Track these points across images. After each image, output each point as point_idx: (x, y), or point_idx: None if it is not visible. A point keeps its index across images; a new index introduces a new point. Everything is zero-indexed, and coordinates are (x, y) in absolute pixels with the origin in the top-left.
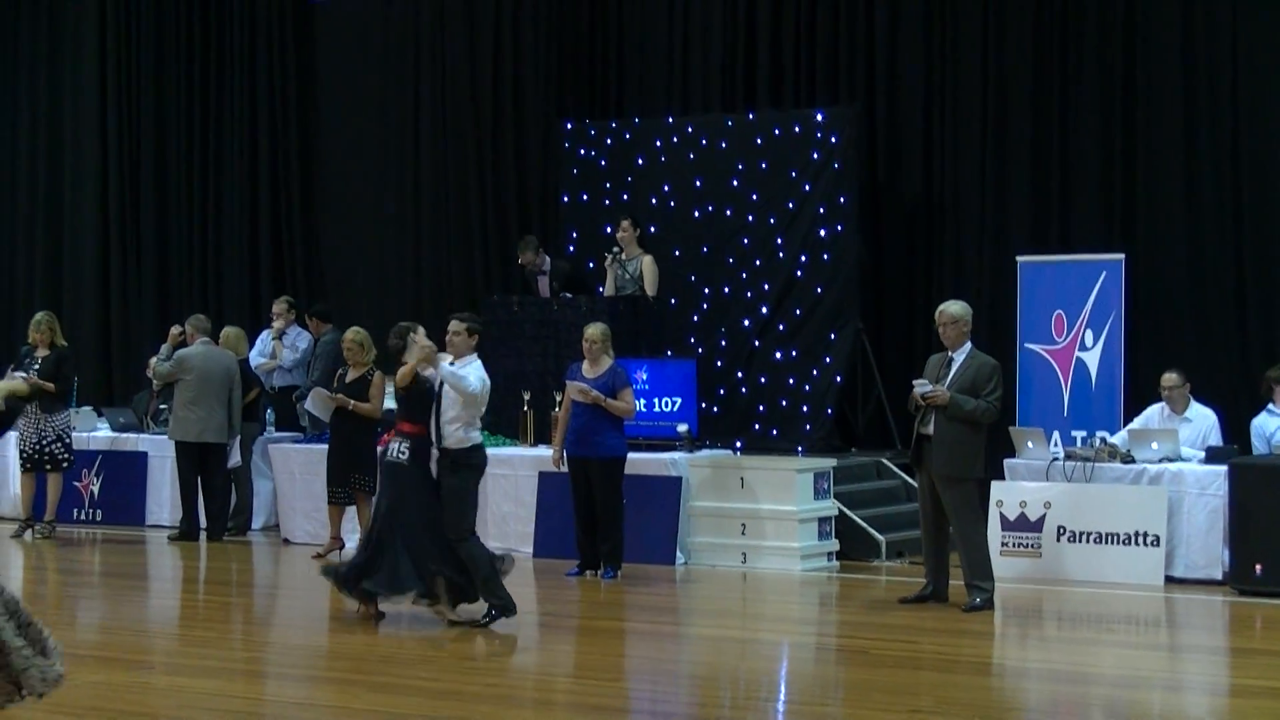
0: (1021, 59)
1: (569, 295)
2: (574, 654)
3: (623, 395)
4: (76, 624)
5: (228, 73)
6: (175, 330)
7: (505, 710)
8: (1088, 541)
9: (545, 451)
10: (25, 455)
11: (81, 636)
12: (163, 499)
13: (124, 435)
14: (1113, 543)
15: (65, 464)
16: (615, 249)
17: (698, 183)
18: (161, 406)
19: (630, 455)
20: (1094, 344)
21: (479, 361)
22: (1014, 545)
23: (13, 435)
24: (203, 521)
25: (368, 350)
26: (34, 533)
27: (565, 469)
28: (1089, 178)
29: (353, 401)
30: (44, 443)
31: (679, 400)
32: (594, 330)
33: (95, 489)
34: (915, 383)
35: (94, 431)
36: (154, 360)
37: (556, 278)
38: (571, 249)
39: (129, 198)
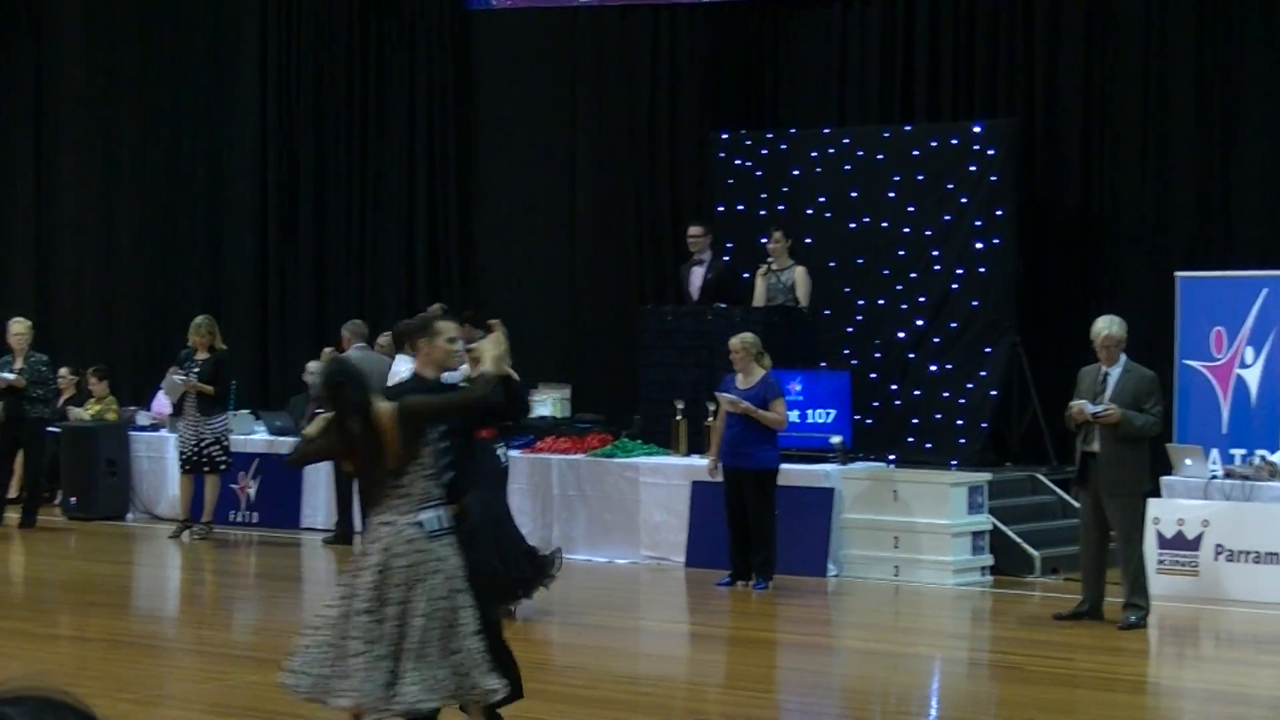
0: (1183, 70)
1: (723, 305)
2: (725, 664)
3: (774, 406)
4: (232, 625)
5: (387, 78)
6: (327, 351)
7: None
8: (1246, 561)
9: (698, 461)
10: (184, 457)
11: (236, 637)
12: (317, 502)
13: (281, 438)
14: (1272, 562)
15: (223, 467)
16: (768, 260)
17: (853, 194)
18: (318, 411)
19: (783, 466)
20: (1254, 361)
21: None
22: (1170, 563)
23: (172, 438)
24: (357, 525)
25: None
26: (191, 534)
27: (720, 478)
28: (1251, 190)
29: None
30: (202, 445)
31: (833, 412)
32: (735, 341)
33: (252, 491)
34: (1079, 404)
35: (251, 434)
36: (312, 364)
37: (712, 271)
38: (726, 259)
39: (287, 203)
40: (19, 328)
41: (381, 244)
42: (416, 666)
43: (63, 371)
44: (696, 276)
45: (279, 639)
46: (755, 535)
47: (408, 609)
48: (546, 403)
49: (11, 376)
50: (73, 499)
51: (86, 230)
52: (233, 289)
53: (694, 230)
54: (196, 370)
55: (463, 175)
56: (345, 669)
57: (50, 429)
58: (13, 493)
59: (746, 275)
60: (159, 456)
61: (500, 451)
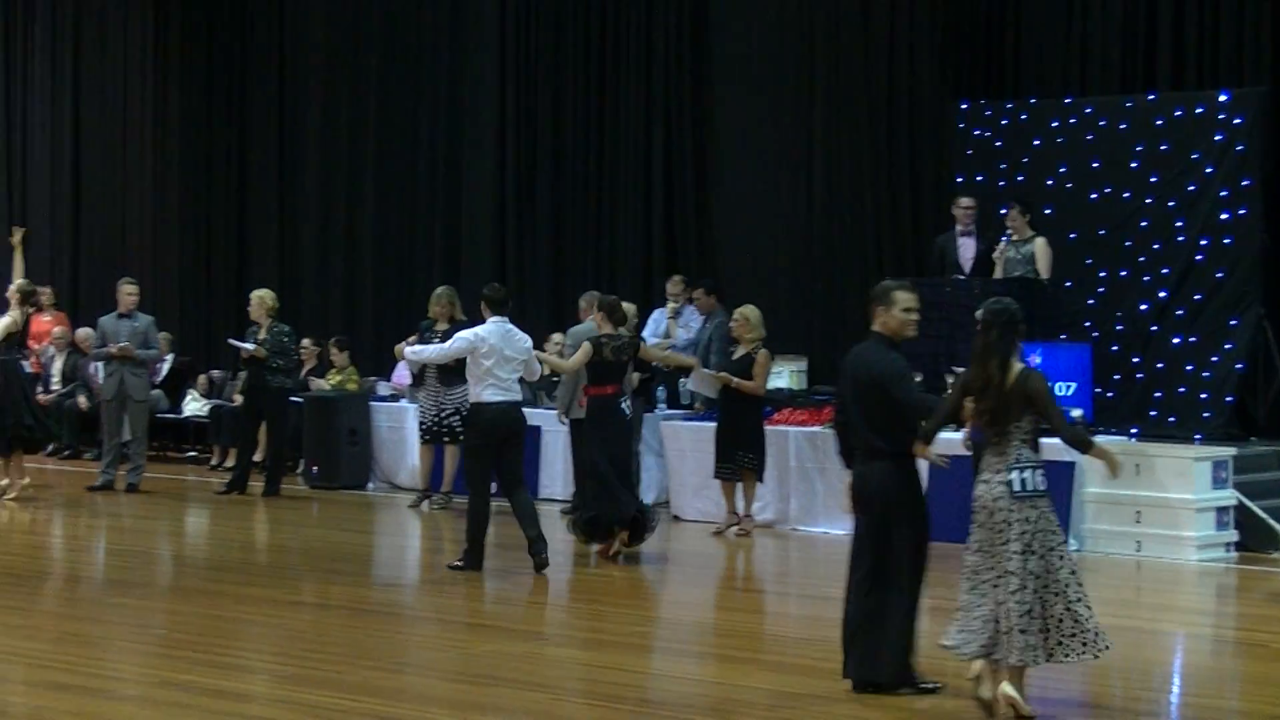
0: None
1: (963, 277)
2: None
3: None
4: (471, 594)
5: (623, 48)
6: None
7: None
8: None
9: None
10: (424, 428)
11: (476, 606)
12: (555, 473)
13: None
14: None
15: (462, 437)
16: (1007, 233)
17: (1095, 164)
18: (554, 379)
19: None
20: None
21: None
22: None
23: (412, 408)
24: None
25: (754, 327)
26: (430, 504)
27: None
28: None
29: (735, 379)
30: (442, 416)
31: (1074, 385)
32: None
33: None
34: None
35: None
36: (556, 336)
37: (985, 242)
38: (974, 227)
39: (525, 174)
40: (264, 299)
41: (618, 215)
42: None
43: (305, 342)
44: (968, 248)
45: (517, 609)
46: None
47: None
48: (783, 374)
49: (253, 347)
50: (315, 468)
51: (329, 203)
52: (471, 261)
53: (964, 202)
54: (437, 340)
55: (699, 145)
56: (1009, 626)
57: (293, 399)
58: (257, 458)
59: (980, 247)
60: (399, 426)
61: (624, 404)
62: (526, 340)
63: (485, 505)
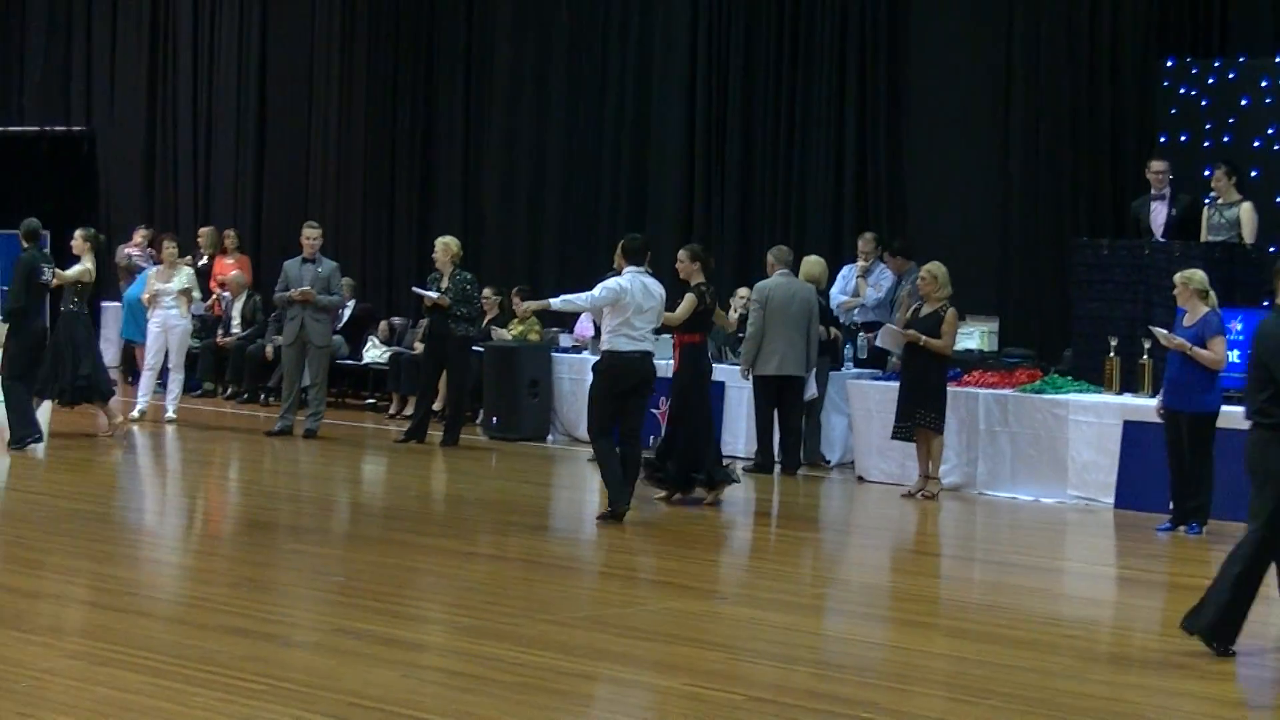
0: None
1: (1161, 240)
2: (1152, 609)
3: (1212, 345)
4: (648, 549)
5: (816, 3)
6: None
7: (1084, 664)
8: None
9: (1130, 400)
10: None
11: (653, 562)
12: (739, 430)
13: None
14: None
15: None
16: (1211, 194)
17: None
18: (740, 335)
19: (1224, 409)
20: None
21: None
22: None
23: (594, 359)
24: (777, 454)
25: (942, 285)
26: None
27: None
28: None
29: (924, 337)
30: None
31: None
32: (1178, 276)
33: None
34: None
35: (669, 359)
36: (742, 291)
37: (1177, 206)
38: (1168, 191)
39: (714, 128)
40: (449, 245)
41: (809, 174)
42: None
43: (486, 292)
44: (1159, 213)
45: (698, 566)
46: (1191, 480)
47: None
48: (974, 335)
49: (436, 294)
50: (495, 419)
51: (515, 153)
52: (658, 214)
53: (1156, 165)
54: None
55: (892, 103)
56: None
57: (475, 349)
58: (436, 407)
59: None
60: (581, 379)
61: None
62: (661, 291)
63: (612, 449)
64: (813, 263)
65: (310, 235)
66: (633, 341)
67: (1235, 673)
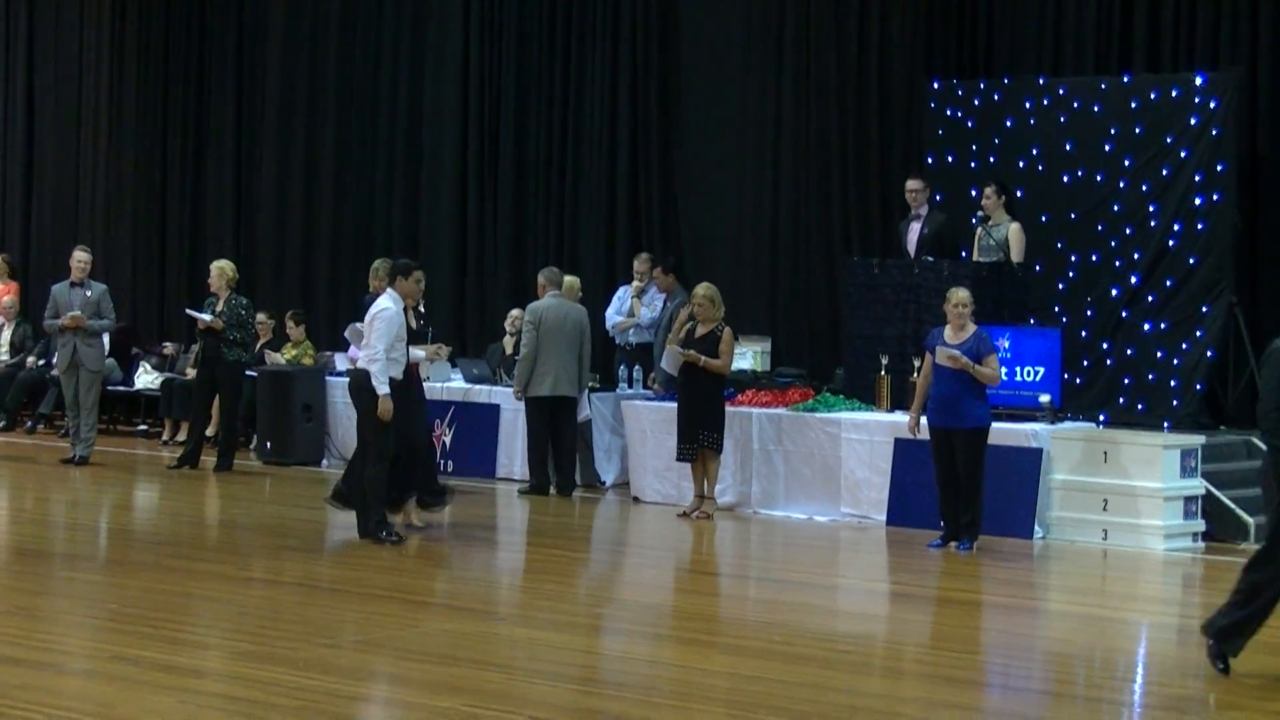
0: None
1: (931, 259)
2: (926, 624)
3: (988, 362)
4: (425, 572)
5: (589, 21)
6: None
7: (858, 678)
8: None
9: (902, 418)
10: None
11: (432, 585)
12: (514, 451)
13: (477, 387)
14: None
15: None
16: (980, 213)
17: (1068, 146)
18: (514, 358)
19: (994, 425)
20: None
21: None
22: None
23: None
24: (552, 476)
25: (718, 306)
26: None
27: (922, 436)
28: None
29: (704, 358)
30: None
31: (1041, 370)
32: (963, 294)
33: (447, 440)
34: None
35: (448, 382)
36: (515, 312)
37: (929, 225)
38: (945, 215)
39: (487, 148)
40: (224, 270)
41: (582, 191)
42: None
43: (260, 316)
44: (914, 232)
45: (474, 588)
46: (964, 495)
47: None
48: (747, 355)
49: (209, 318)
50: (268, 443)
51: (287, 175)
52: (432, 235)
53: (912, 185)
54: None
55: (665, 120)
56: None
57: (248, 373)
58: (210, 432)
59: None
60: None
61: None
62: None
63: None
64: (570, 282)
65: (80, 259)
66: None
67: (1001, 684)
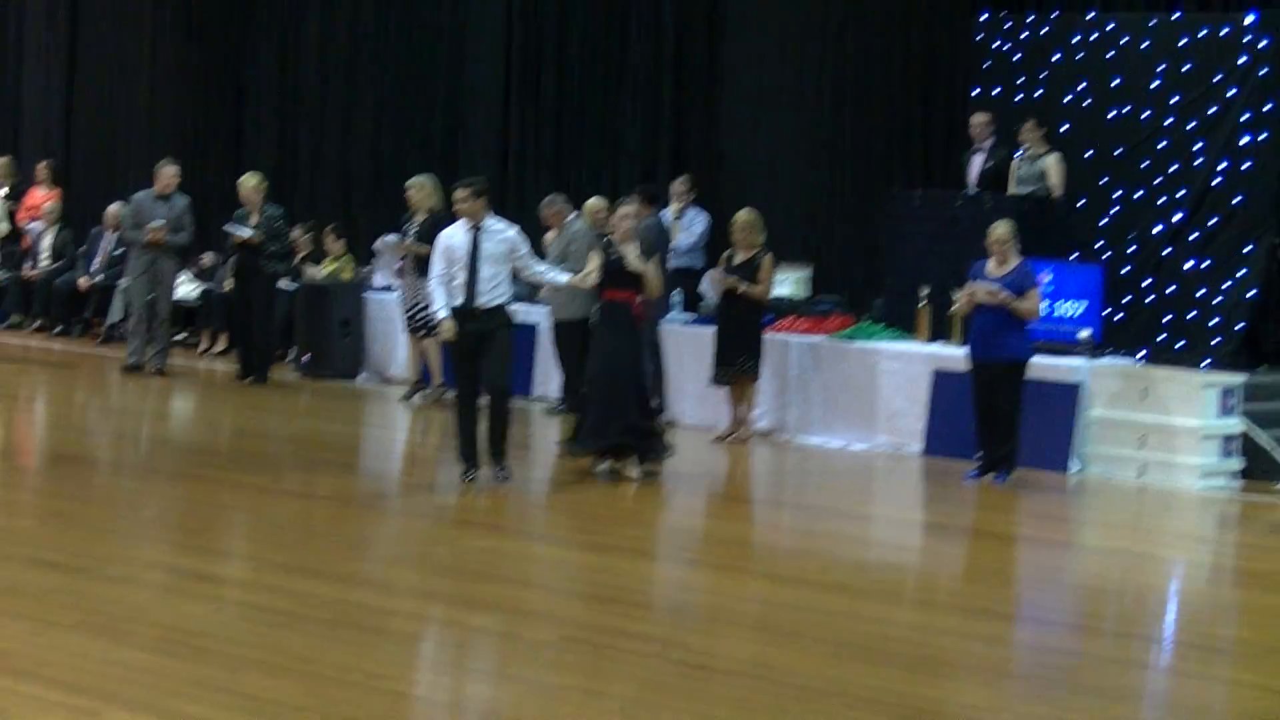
0: None
1: (972, 191)
2: (958, 556)
3: (1029, 296)
4: (463, 491)
5: None
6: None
7: (890, 608)
8: None
9: (941, 349)
10: (409, 319)
11: (467, 502)
12: (551, 370)
13: (514, 305)
14: None
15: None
16: (1020, 147)
17: (1115, 82)
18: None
19: (1033, 359)
20: None
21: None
22: None
23: (395, 296)
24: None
25: (758, 232)
26: (422, 396)
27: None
28: None
29: (744, 284)
30: (418, 308)
31: (1083, 305)
32: (1003, 229)
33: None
34: None
35: None
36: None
37: (993, 158)
38: (989, 144)
39: (530, 67)
40: (253, 182)
41: (625, 118)
42: None
43: (297, 229)
44: (976, 165)
45: (509, 507)
46: (1000, 428)
47: None
48: (787, 282)
49: (249, 232)
50: (305, 357)
51: (328, 91)
52: (470, 152)
53: (978, 118)
54: (415, 231)
55: (710, 51)
56: None
57: (282, 286)
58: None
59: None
60: (392, 318)
61: None
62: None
63: None
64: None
65: (170, 172)
66: None
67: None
